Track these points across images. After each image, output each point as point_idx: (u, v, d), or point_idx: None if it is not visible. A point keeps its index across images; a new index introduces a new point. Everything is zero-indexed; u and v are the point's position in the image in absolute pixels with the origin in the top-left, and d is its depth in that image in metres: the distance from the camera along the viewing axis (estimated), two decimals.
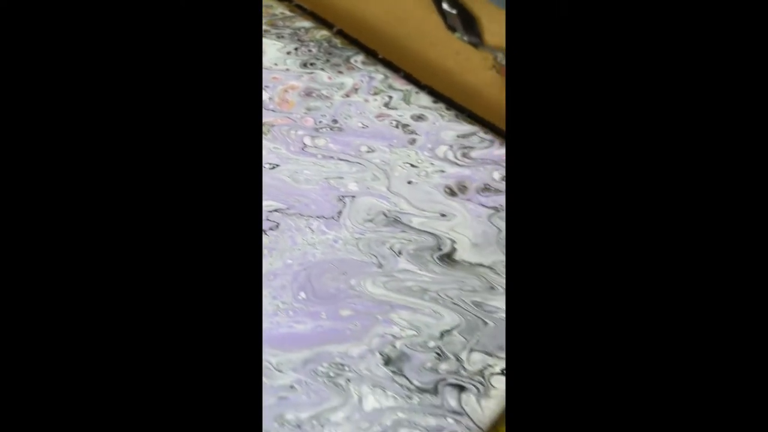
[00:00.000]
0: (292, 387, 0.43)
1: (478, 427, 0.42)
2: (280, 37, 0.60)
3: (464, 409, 0.42)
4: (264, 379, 0.43)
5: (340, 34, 0.61)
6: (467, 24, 0.64)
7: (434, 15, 0.64)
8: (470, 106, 0.58)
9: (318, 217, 0.50)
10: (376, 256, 0.48)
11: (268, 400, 0.42)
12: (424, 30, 0.64)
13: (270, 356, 0.44)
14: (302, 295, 0.47)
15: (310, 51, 0.59)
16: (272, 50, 0.59)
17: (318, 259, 0.48)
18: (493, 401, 0.42)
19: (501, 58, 0.61)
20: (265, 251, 0.48)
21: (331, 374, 0.43)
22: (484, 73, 0.62)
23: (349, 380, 0.43)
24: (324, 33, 0.60)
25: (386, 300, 0.46)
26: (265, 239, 0.49)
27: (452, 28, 0.64)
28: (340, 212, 0.50)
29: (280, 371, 0.43)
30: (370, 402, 0.42)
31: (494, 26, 0.64)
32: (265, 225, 0.50)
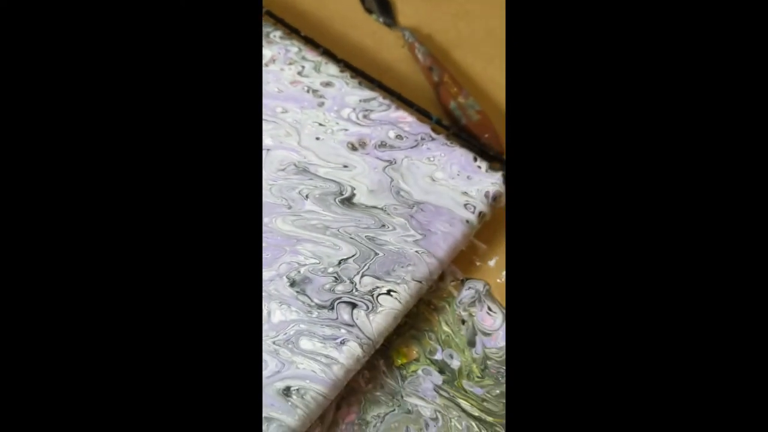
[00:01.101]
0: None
1: (366, 336, 0.49)
2: None
3: (355, 322, 0.49)
4: None
5: (269, 14, 0.68)
6: (383, 7, 0.72)
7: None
8: (383, 79, 0.65)
9: None
10: (286, 200, 0.55)
11: None
12: (344, 13, 0.72)
13: None
14: None
15: None
16: None
17: None
18: (379, 316, 0.50)
19: (409, 37, 0.69)
20: None
21: None
22: (396, 51, 0.70)
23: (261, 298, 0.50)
24: None
25: (294, 235, 0.53)
26: None
27: (369, 11, 0.72)
28: None
29: None
30: (277, 316, 0.49)
31: (407, 9, 0.72)
32: None
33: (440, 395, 0.51)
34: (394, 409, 0.50)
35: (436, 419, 0.50)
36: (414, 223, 0.53)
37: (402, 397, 0.51)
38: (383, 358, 0.52)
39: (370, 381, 0.51)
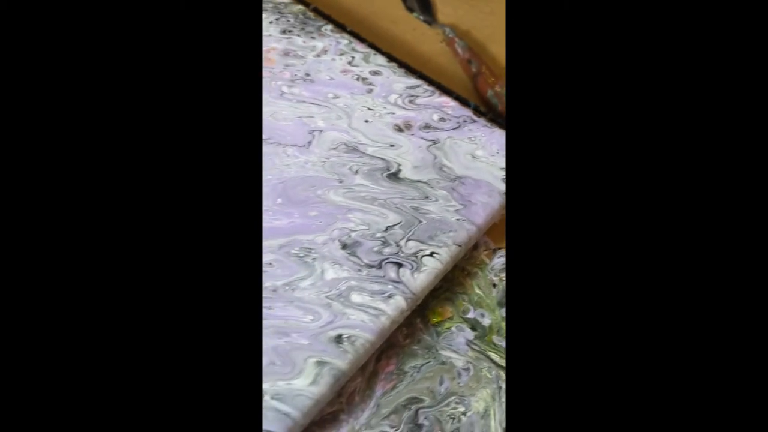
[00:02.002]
0: (270, 264, 0.56)
1: (411, 291, 0.55)
2: (263, 10, 0.74)
3: (401, 279, 0.56)
4: None
5: (315, 11, 0.75)
6: (423, 6, 0.79)
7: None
8: (424, 70, 0.72)
9: (292, 145, 0.64)
10: (337, 174, 0.62)
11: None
12: (387, 10, 0.78)
13: None
14: (279, 201, 0.60)
15: (288, 21, 0.73)
16: None
17: (292, 176, 0.62)
18: (422, 274, 0.56)
19: (449, 32, 0.75)
20: None
21: (301, 255, 0.57)
22: (435, 45, 0.76)
23: (314, 259, 0.57)
24: (300, 7, 0.74)
25: (345, 205, 0.60)
26: None
27: (410, 9, 0.79)
28: (310, 142, 0.64)
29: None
30: (330, 274, 0.56)
31: (446, 8, 0.79)
32: None
33: (472, 349, 0.57)
34: (430, 361, 0.57)
35: (467, 369, 0.56)
36: (455, 195, 0.60)
37: (437, 350, 0.57)
38: (420, 317, 0.58)
39: (408, 336, 0.58)
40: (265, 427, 0.48)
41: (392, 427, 0.53)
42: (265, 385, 0.49)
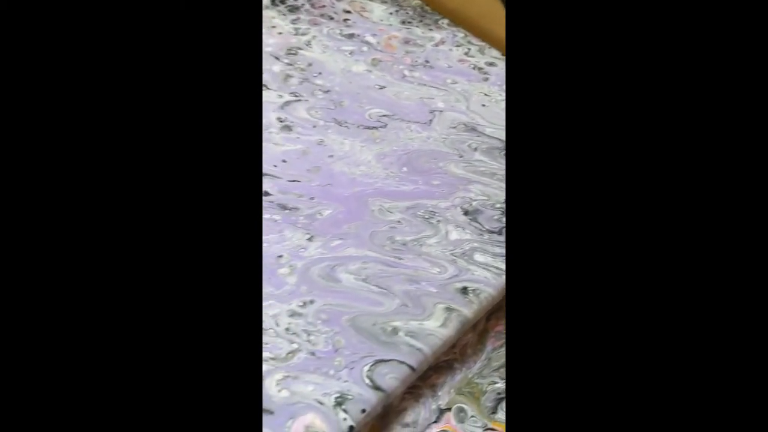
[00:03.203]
0: (399, 222, 0.61)
1: None
2: (383, 1, 0.80)
3: None
4: (379, 215, 0.62)
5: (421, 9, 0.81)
6: None
7: (497, 2, 0.83)
8: None
9: (415, 122, 0.70)
10: (457, 150, 0.67)
11: (380, 227, 0.61)
12: (488, 11, 0.84)
13: (383, 203, 0.63)
14: (404, 169, 0.66)
15: (407, 13, 0.79)
16: (378, 10, 0.79)
17: (415, 148, 0.67)
18: None
19: None
20: (376, 141, 0.67)
21: (426, 216, 0.62)
22: None
23: (438, 221, 0.62)
24: (417, 1, 0.80)
25: (465, 177, 0.65)
26: (375, 133, 0.68)
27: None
28: (431, 120, 0.70)
29: (390, 212, 0.62)
30: (453, 235, 0.61)
31: None
32: (375, 123, 0.69)
33: None
34: None
35: None
36: None
37: None
38: None
39: None
40: (400, 359, 0.53)
41: (501, 379, 0.58)
42: (398, 323, 0.54)
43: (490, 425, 0.55)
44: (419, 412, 0.55)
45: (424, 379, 0.56)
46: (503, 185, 0.64)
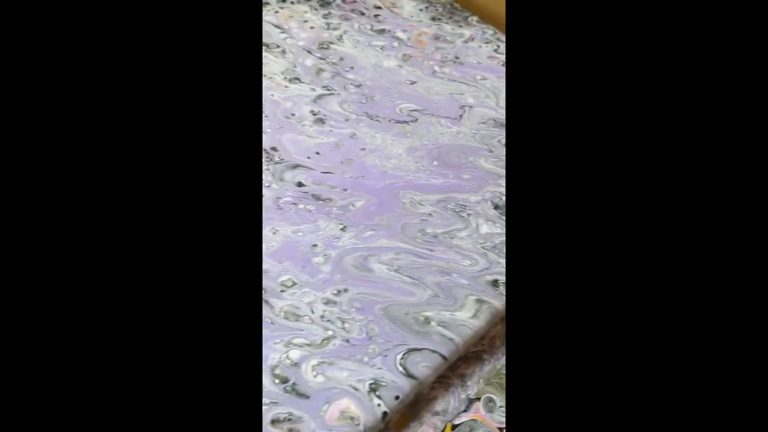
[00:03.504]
0: (430, 214, 0.63)
1: None
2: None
3: None
4: (410, 208, 0.63)
5: (452, 7, 0.82)
6: None
7: None
8: None
9: (445, 117, 0.71)
10: (487, 145, 0.68)
11: (412, 219, 0.62)
12: None
13: (414, 196, 0.64)
14: (435, 163, 0.67)
15: (437, 9, 0.80)
16: (408, 6, 0.80)
17: (446, 143, 0.68)
18: None
19: None
20: (407, 135, 0.68)
21: (457, 210, 0.63)
22: None
23: (469, 215, 0.63)
24: None
25: (495, 172, 0.66)
26: (406, 127, 0.69)
27: None
28: (461, 115, 0.71)
29: (421, 205, 0.63)
30: (484, 228, 0.62)
31: None
32: (406, 117, 0.70)
33: None
34: None
35: None
36: None
37: None
38: None
39: None
40: (432, 348, 0.54)
41: None
42: (430, 313, 0.55)
43: None
44: (449, 401, 0.56)
45: (453, 369, 0.57)
46: None
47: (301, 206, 0.61)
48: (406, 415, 0.54)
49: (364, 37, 0.77)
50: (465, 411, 0.56)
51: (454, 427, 0.55)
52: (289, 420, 0.48)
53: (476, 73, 0.74)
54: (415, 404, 0.55)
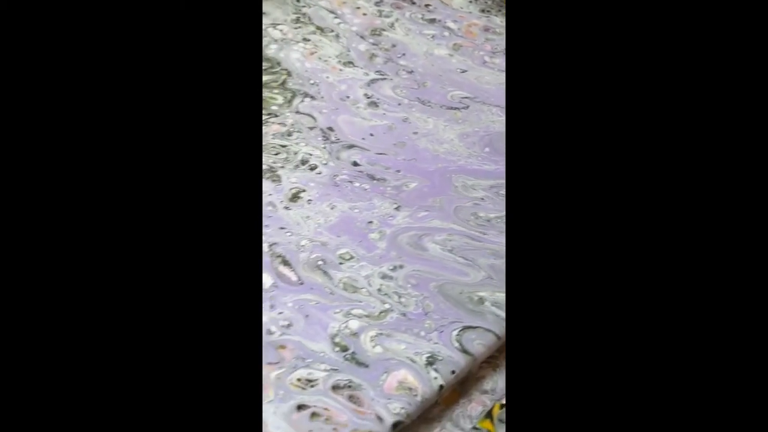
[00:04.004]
0: (482, 199, 0.63)
1: None
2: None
3: None
4: (462, 191, 0.64)
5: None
6: None
7: None
8: None
9: (496, 105, 0.72)
10: None
11: (464, 202, 0.63)
12: None
13: (467, 180, 0.65)
14: (486, 149, 0.68)
15: (486, 2, 0.81)
16: None
17: (497, 130, 0.69)
18: None
19: None
20: (459, 121, 0.69)
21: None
22: None
23: None
24: None
25: None
26: (458, 113, 0.70)
27: None
28: None
29: (474, 189, 0.64)
30: None
31: None
32: (458, 104, 0.71)
33: None
34: None
35: None
36: None
37: None
38: None
39: None
40: (486, 327, 0.55)
41: None
42: (483, 294, 0.56)
43: None
44: (497, 381, 0.57)
45: (501, 350, 0.58)
46: None
47: (357, 184, 0.62)
48: (456, 391, 0.55)
49: (415, 26, 0.78)
50: None
51: (502, 406, 0.56)
52: (349, 387, 0.49)
53: None
54: (465, 381, 0.55)
